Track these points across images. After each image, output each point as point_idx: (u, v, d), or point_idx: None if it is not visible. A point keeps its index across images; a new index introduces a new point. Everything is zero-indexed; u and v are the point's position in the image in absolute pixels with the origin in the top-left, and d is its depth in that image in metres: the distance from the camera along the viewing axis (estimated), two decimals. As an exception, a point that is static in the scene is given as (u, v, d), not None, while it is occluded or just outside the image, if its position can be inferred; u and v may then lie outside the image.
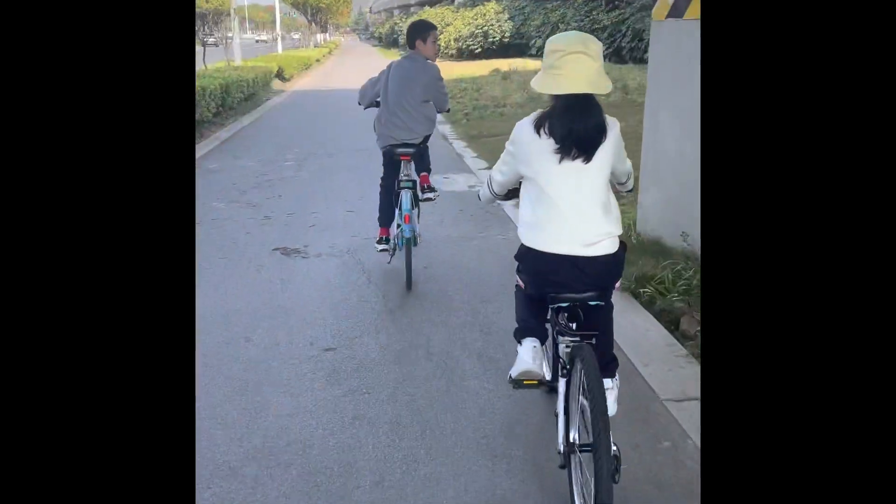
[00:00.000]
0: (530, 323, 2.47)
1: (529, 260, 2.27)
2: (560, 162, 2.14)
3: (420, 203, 4.57)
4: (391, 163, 4.31)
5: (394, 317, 3.97)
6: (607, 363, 2.43)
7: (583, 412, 2.10)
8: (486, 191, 2.53)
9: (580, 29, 23.91)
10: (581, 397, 2.11)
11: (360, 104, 4.48)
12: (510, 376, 2.45)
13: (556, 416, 2.27)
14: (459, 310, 4.05)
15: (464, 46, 32.12)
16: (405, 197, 4.13)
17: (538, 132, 2.16)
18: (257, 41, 69.72)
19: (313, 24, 58.87)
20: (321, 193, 7.07)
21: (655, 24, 4.74)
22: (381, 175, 4.45)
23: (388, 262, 4.63)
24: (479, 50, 31.43)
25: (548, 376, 2.56)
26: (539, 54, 30.86)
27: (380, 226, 4.46)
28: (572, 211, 2.15)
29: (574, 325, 2.28)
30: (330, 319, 3.94)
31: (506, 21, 31.02)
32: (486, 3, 33.50)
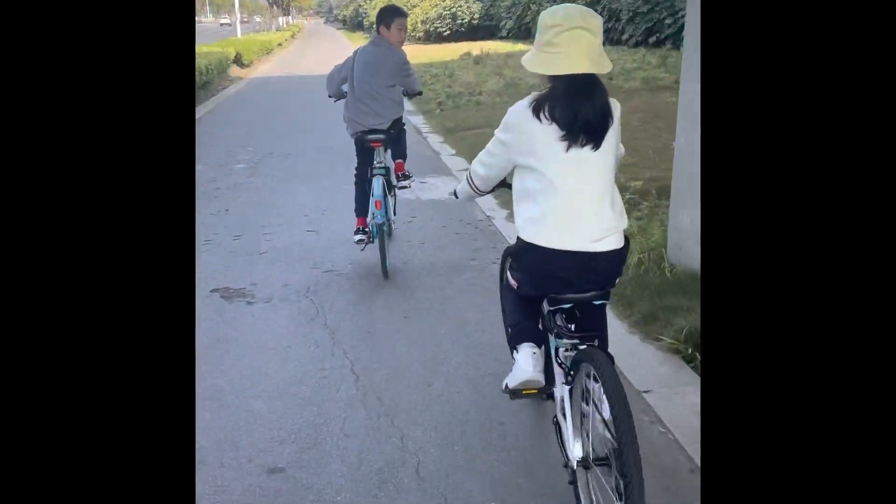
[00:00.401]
0: (525, 325, 2.28)
1: (531, 257, 2.05)
2: (567, 150, 1.94)
3: (396, 191, 4.56)
4: (363, 150, 4.24)
5: (370, 412, 2.78)
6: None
7: (593, 421, 1.95)
8: (465, 186, 2.32)
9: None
10: (591, 405, 1.96)
11: (330, 96, 4.39)
12: (506, 386, 2.28)
13: (556, 425, 2.18)
14: (466, 413, 2.75)
15: (431, 29, 30.94)
16: (376, 183, 4.06)
17: (538, 117, 1.95)
18: (221, 24, 66.99)
19: (275, 6, 56.86)
20: (277, 206, 6.01)
21: (693, 22, 3.85)
22: (356, 164, 4.35)
23: (362, 251, 4.52)
24: (448, 32, 30.29)
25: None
26: (510, 36, 30.00)
27: (356, 216, 4.34)
28: (582, 203, 1.97)
29: (573, 326, 2.13)
30: (274, 423, 2.73)
31: (474, 2, 29.90)
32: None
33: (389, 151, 4.30)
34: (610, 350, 2.15)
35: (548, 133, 1.94)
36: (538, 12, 25.07)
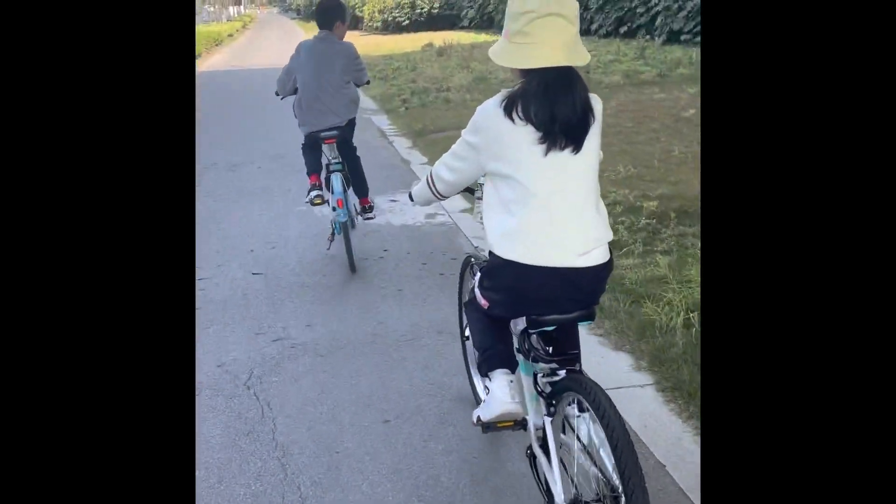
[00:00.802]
0: (497, 349, 2.02)
1: (507, 275, 1.80)
2: (546, 154, 1.71)
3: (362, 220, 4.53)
4: (315, 146, 4.22)
5: None
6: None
7: (579, 457, 1.75)
8: (423, 189, 2.06)
9: None
10: (576, 438, 1.75)
11: (277, 94, 4.30)
12: (478, 418, 2.03)
13: (532, 458, 2.01)
14: None
15: (389, 18, 29.72)
16: (336, 180, 4.00)
17: (510, 117, 1.70)
18: None
19: (225, -5, 54.76)
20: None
21: None
22: (302, 143, 4.33)
23: (328, 250, 4.37)
24: (407, 22, 29.09)
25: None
26: (472, 26, 29.02)
27: (308, 175, 4.26)
28: (564, 213, 1.73)
29: (550, 349, 1.88)
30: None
31: (434, -10, 28.76)
32: (410, -29, 31.08)
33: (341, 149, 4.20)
34: None
35: (522, 135, 1.71)
36: (501, 1, 24.38)
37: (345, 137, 4.15)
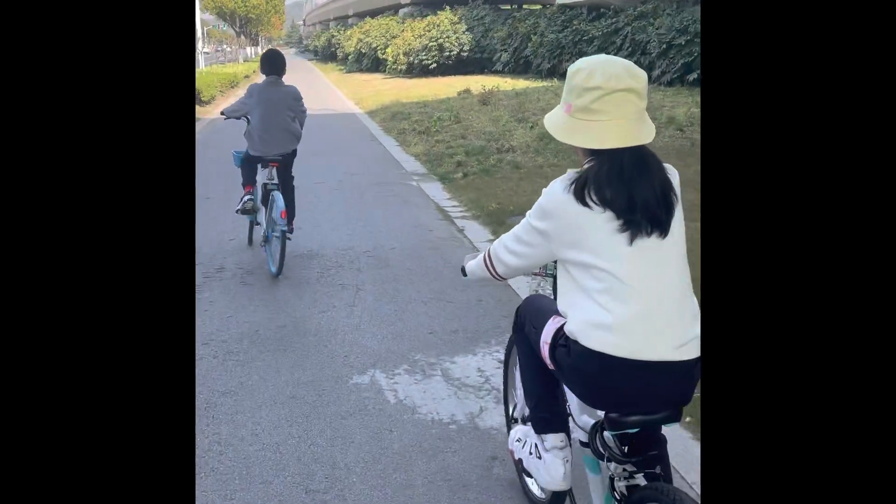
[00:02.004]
0: (551, 410, 1.91)
1: (592, 366, 1.60)
2: (632, 242, 1.57)
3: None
4: (252, 166, 5.03)
5: None
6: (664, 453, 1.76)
7: None
8: (479, 267, 1.89)
9: (563, 42, 20.30)
10: None
11: (222, 114, 5.16)
12: (532, 492, 2.10)
13: None
14: None
15: (416, 61, 28.15)
16: (278, 197, 4.64)
17: (584, 203, 1.57)
18: None
19: (242, 36, 53.88)
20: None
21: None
22: (241, 161, 5.11)
23: (250, 245, 5.52)
24: (434, 65, 27.51)
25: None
26: (506, 70, 27.42)
27: (244, 186, 5.11)
28: (661, 304, 1.58)
29: (626, 449, 1.71)
30: None
31: (463, 32, 27.21)
32: (437, 12, 29.62)
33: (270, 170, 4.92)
34: None
35: (602, 221, 1.57)
36: (541, 43, 22.81)
37: (286, 164, 4.99)
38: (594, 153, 1.61)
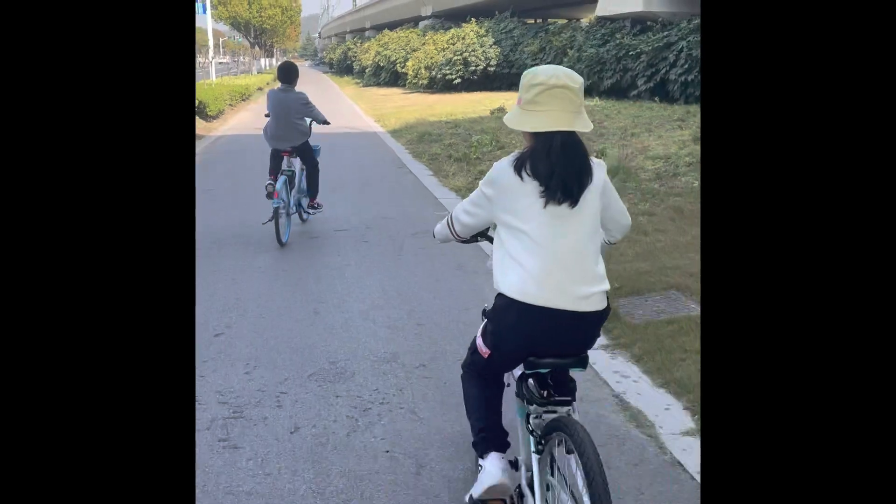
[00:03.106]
0: (492, 433, 2.20)
1: (512, 314, 1.96)
2: (545, 206, 1.94)
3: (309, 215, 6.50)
4: (276, 157, 6.06)
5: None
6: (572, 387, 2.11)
7: (560, 494, 1.92)
8: (444, 229, 2.30)
9: (604, 57, 18.52)
10: (559, 476, 1.94)
11: (267, 115, 6.13)
12: (470, 497, 2.21)
13: (519, 497, 2.16)
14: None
15: (438, 76, 26.49)
16: (280, 181, 5.72)
17: (520, 175, 1.96)
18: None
19: (257, 47, 52.57)
20: None
21: None
22: (270, 166, 6.13)
23: (263, 223, 5.88)
24: (458, 80, 25.82)
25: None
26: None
27: (269, 174, 6.03)
28: (566, 261, 1.94)
29: (545, 393, 2.04)
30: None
31: (490, 46, 25.51)
32: (461, 25, 27.97)
33: (298, 159, 6.19)
34: None
35: (528, 190, 1.95)
36: (579, 58, 21.08)
37: (302, 152, 6.12)
38: (535, 136, 1.96)
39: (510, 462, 2.20)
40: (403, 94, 27.95)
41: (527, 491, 2.08)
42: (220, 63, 58.24)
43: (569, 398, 2.02)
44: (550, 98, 1.91)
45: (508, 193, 1.96)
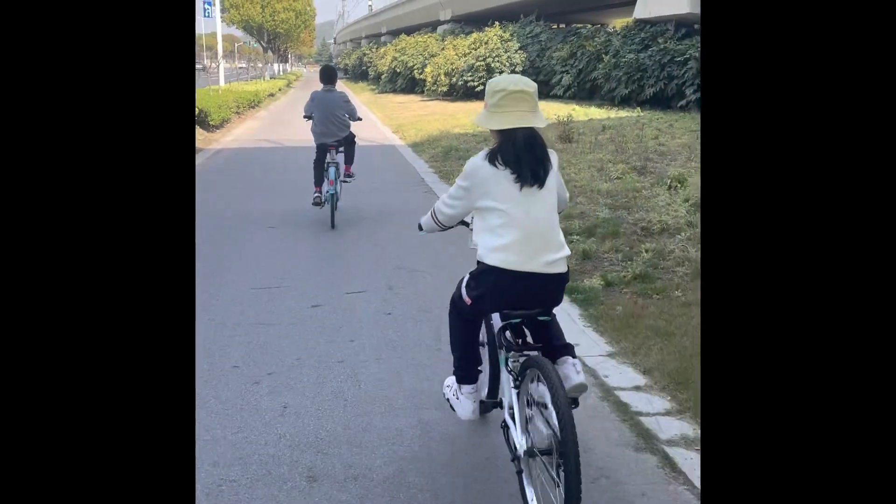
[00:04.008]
0: (469, 368, 2.66)
1: (491, 277, 2.36)
2: (521, 189, 2.30)
3: (343, 183, 7.05)
4: (321, 149, 6.69)
5: None
6: (566, 346, 2.56)
7: (537, 418, 2.23)
8: (429, 221, 2.67)
9: (645, 64, 16.82)
10: (535, 405, 2.25)
11: (304, 116, 6.90)
12: (451, 405, 2.75)
13: (504, 427, 2.50)
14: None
15: (459, 83, 24.91)
16: (332, 170, 6.53)
17: (494, 165, 2.31)
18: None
19: (270, 52, 51.24)
20: None
21: None
22: (314, 158, 6.80)
23: (321, 207, 6.71)
24: (480, 87, 24.22)
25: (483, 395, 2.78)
26: (568, 95, 23.97)
27: (315, 185, 6.74)
28: (536, 233, 2.32)
29: (520, 342, 2.46)
30: None
31: (515, 51, 23.90)
32: (483, 29, 26.37)
33: (342, 154, 6.91)
34: None
35: (503, 177, 2.30)
36: (616, 65, 19.39)
37: (346, 142, 6.86)
38: (501, 133, 2.36)
39: (481, 402, 2.72)
40: (422, 101, 26.38)
41: (509, 421, 2.44)
42: (241, 67, 56.61)
43: (539, 344, 2.48)
44: (511, 101, 2.32)
45: (486, 183, 2.33)
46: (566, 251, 2.37)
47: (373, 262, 5.44)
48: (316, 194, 6.61)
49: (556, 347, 2.50)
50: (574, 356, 2.53)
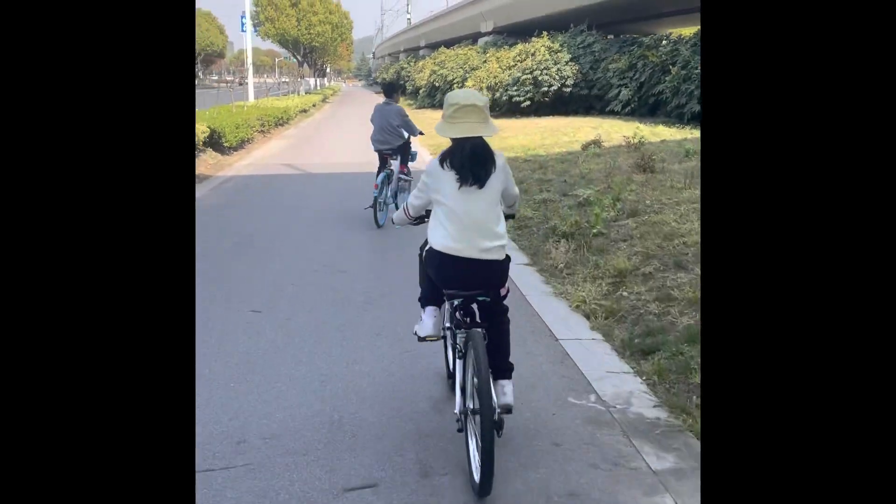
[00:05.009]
0: (430, 295, 3.06)
1: (436, 260, 2.77)
2: (459, 188, 2.68)
3: (400, 183, 7.46)
4: (382, 157, 7.27)
5: None
6: (506, 369, 2.85)
7: (472, 384, 2.65)
8: (401, 215, 3.10)
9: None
10: (471, 373, 2.65)
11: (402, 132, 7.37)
12: (416, 333, 3.10)
13: (455, 391, 2.83)
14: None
15: (503, 97, 22.89)
16: (381, 175, 7.18)
17: (443, 167, 2.71)
18: (227, 85, 53.84)
19: (306, 65, 49.96)
20: None
21: None
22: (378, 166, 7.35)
23: (364, 209, 7.47)
24: (528, 103, 22.16)
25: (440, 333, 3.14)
26: (627, 111, 21.71)
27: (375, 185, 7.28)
28: (472, 225, 2.69)
29: (468, 320, 2.76)
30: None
31: (566, 63, 21.78)
32: (528, 40, 24.33)
33: (397, 160, 7.35)
34: None
35: (448, 177, 2.70)
36: (686, 77, 16.98)
37: (402, 148, 7.32)
38: (454, 140, 2.73)
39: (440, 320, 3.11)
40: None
41: (458, 391, 2.77)
42: (284, 82, 55.21)
43: (483, 322, 2.75)
44: (463, 114, 2.69)
45: (437, 180, 2.73)
46: (502, 241, 2.75)
47: (391, 399, 3.43)
48: (375, 192, 7.19)
49: (495, 368, 2.75)
50: (510, 378, 2.87)
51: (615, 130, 15.07)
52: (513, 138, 15.32)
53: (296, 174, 11.36)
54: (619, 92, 19.24)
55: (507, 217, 2.92)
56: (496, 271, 2.74)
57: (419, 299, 3.12)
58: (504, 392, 2.77)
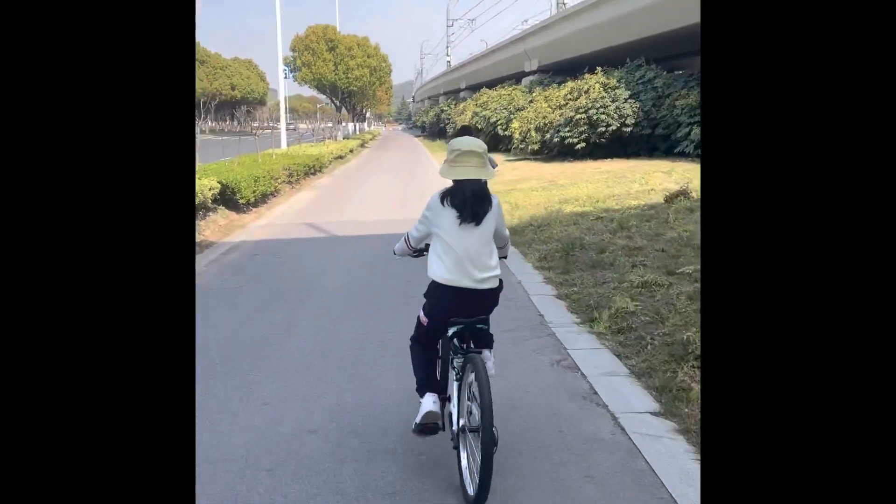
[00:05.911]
0: (429, 381, 3.16)
1: (438, 293, 3.03)
2: (459, 224, 2.97)
3: None
4: None
5: None
6: (489, 340, 3.21)
7: (472, 404, 2.86)
8: (402, 245, 3.34)
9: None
10: (468, 396, 2.89)
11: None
12: (415, 424, 3.10)
13: (449, 416, 3.08)
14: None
15: (554, 139, 20.86)
16: None
17: (443, 204, 3.00)
18: (260, 132, 52.12)
19: (344, 110, 48.97)
20: None
21: None
22: None
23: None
24: (582, 145, 20.06)
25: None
26: (696, 153, 19.41)
27: None
28: (469, 258, 2.97)
29: (465, 346, 3.05)
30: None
31: (625, 101, 19.68)
32: (578, 77, 22.36)
33: None
34: None
35: (448, 213, 2.99)
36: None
37: None
38: (455, 182, 3.02)
39: (441, 398, 3.14)
40: (509, 161, 22.49)
41: (453, 410, 3.04)
42: (328, 127, 54.30)
43: (480, 348, 3.05)
44: (464, 158, 3.01)
45: (438, 216, 3.01)
46: (496, 272, 3.03)
47: None
48: None
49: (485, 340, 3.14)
50: (491, 348, 3.22)
51: (694, 176, 12.83)
52: (573, 187, 13.19)
53: (318, 237, 9.39)
54: (690, 130, 17.00)
55: (500, 258, 3.17)
56: (491, 298, 3.08)
57: (417, 389, 3.21)
58: (487, 359, 3.12)
